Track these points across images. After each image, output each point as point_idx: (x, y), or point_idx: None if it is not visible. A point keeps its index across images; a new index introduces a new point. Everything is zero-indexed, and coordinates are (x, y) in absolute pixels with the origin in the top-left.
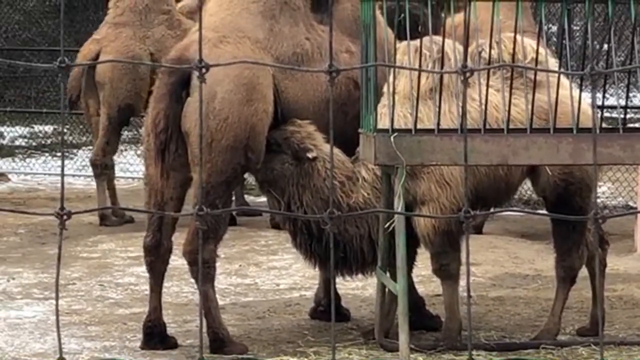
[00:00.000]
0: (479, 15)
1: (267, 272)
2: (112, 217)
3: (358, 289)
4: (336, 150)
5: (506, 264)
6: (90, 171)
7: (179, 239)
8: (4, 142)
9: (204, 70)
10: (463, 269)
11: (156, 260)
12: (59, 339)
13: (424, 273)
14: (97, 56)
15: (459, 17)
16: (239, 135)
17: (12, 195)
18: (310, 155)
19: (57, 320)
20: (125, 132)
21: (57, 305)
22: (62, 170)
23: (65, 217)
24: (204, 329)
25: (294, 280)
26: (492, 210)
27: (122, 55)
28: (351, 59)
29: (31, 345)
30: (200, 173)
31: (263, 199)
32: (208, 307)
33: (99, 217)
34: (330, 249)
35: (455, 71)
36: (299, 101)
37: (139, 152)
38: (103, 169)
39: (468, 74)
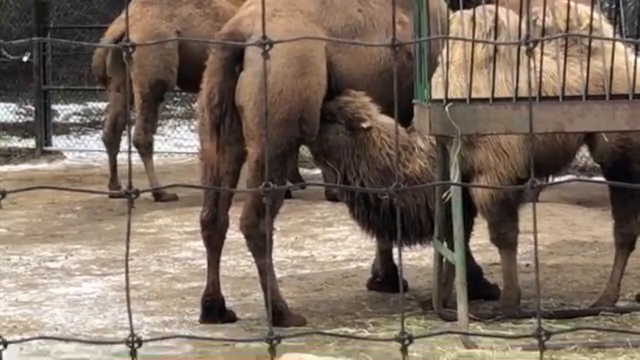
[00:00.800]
0: None
1: (323, 244)
2: (167, 192)
3: (414, 259)
4: (391, 121)
5: (563, 231)
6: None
7: (234, 213)
8: (58, 119)
9: (267, 46)
10: (520, 237)
11: (213, 234)
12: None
13: (480, 242)
14: (123, 35)
15: None
16: (293, 109)
17: (68, 173)
18: (364, 125)
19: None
20: (178, 108)
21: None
22: (129, 149)
23: (133, 195)
24: (263, 302)
25: (350, 251)
26: (550, 177)
27: (147, 34)
28: (404, 30)
29: (91, 321)
30: (265, 148)
31: (317, 171)
32: (265, 280)
33: (153, 194)
34: (389, 219)
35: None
36: (352, 73)
37: (192, 127)
38: (147, 147)
39: (531, 45)
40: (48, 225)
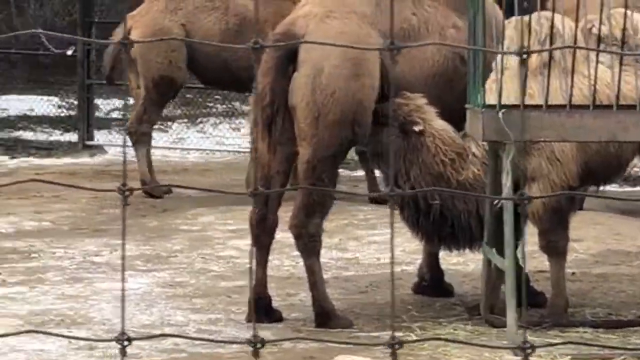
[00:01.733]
0: None
1: (367, 246)
2: (159, 188)
3: (459, 264)
4: (447, 127)
5: (608, 240)
6: (185, 144)
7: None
8: (100, 114)
9: (395, 52)
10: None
11: (262, 234)
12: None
13: (526, 249)
14: (130, 32)
15: None
16: (345, 110)
17: (110, 168)
18: (416, 128)
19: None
20: (219, 105)
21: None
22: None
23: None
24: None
25: (395, 254)
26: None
27: (149, 29)
28: (458, 34)
29: (138, 317)
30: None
31: (358, 173)
32: (314, 281)
33: (143, 190)
34: (438, 224)
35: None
36: (405, 76)
37: (233, 125)
38: (139, 137)
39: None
40: (92, 220)
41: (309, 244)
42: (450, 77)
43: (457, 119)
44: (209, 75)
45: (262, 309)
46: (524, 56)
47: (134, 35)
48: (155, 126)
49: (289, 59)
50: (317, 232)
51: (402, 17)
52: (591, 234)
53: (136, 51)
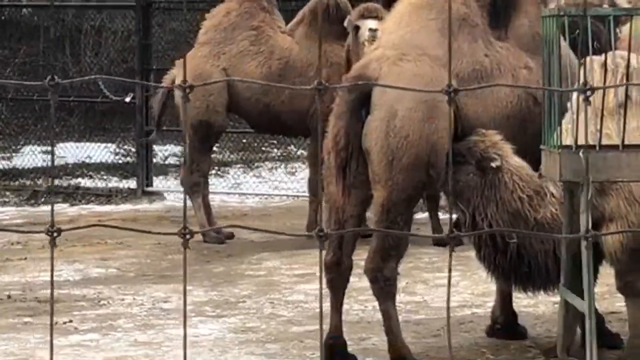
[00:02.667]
0: None
1: (435, 289)
2: (212, 234)
3: (530, 306)
4: (524, 164)
5: None
6: (243, 189)
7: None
8: (157, 160)
9: (452, 94)
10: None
11: (337, 277)
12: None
13: (597, 290)
14: (174, 79)
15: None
16: (420, 153)
17: (170, 214)
18: (493, 164)
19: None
20: (275, 150)
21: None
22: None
23: (188, 236)
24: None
25: (463, 297)
26: None
27: (191, 74)
28: (530, 75)
29: None
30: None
31: (419, 215)
32: (389, 325)
33: (201, 234)
34: (516, 263)
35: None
36: (479, 118)
37: (289, 169)
38: (192, 188)
39: None
40: (157, 266)
41: (384, 288)
42: (524, 118)
43: (530, 161)
44: (253, 120)
45: (338, 354)
46: (588, 93)
47: (177, 82)
48: (212, 172)
49: (362, 102)
50: (392, 275)
51: (475, 59)
52: None
53: (178, 97)
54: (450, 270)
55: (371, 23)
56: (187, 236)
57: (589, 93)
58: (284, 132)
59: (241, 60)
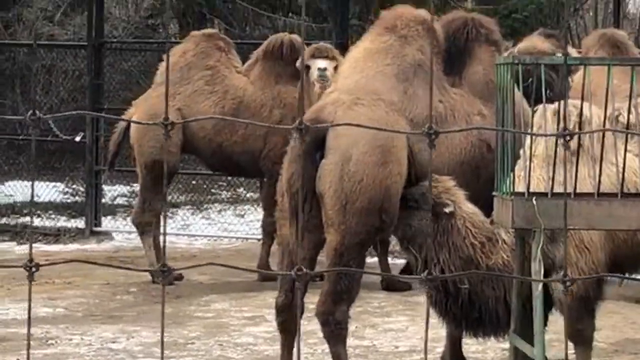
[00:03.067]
0: (593, 78)
1: (384, 334)
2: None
3: (479, 352)
4: (477, 211)
5: (625, 329)
6: (192, 229)
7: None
8: (106, 200)
9: (432, 136)
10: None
11: (288, 320)
12: None
13: (546, 337)
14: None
15: (577, 80)
16: (373, 198)
17: (118, 254)
18: (447, 210)
19: None
20: (224, 192)
21: None
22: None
23: (166, 273)
24: None
25: (412, 342)
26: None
27: (146, 114)
28: (484, 121)
29: None
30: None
31: (372, 259)
32: None
33: (152, 274)
34: (467, 309)
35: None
36: (433, 163)
37: (237, 211)
38: (144, 227)
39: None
40: (105, 307)
41: (335, 331)
42: (477, 165)
43: (483, 207)
44: (206, 160)
45: None
46: (567, 138)
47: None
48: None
49: (317, 146)
50: (344, 319)
51: (429, 104)
52: (608, 323)
53: (133, 137)
54: (428, 313)
55: (321, 63)
56: (166, 272)
57: (568, 138)
58: (237, 173)
59: (195, 100)
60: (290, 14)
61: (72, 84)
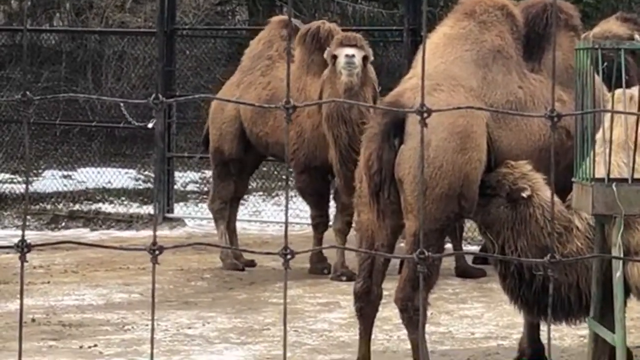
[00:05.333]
0: None
1: (459, 320)
2: (229, 260)
3: (555, 339)
4: (556, 200)
5: None
6: (264, 216)
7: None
8: (177, 187)
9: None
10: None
11: (366, 306)
12: None
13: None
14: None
15: None
16: (452, 184)
17: (191, 240)
18: (524, 194)
19: None
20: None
21: None
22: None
23: (289, 256)
24: None
25: (489, 329)
26: None
27: (215, 101)
28: (563, 107)
29: None
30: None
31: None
32: (418, 354)
33: (220, 258)
34: (540, 295)
35: None
36: (512, 150)
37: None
38: (215, 214)
39: None
40: (180, 292)
41: (414, 317)
42: (556, 151)
43: (561, 193)
44: (259, 150)
45: None
46: None
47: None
48: None
49: (395, 127)
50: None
51: (509, 90)
52: None
53: (209, 124)
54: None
55: (349, 50)
56: (288, 256)
57: None
58: (275, 159)
59: (247, 90)
60: (359, 1)
61: (143, 71)
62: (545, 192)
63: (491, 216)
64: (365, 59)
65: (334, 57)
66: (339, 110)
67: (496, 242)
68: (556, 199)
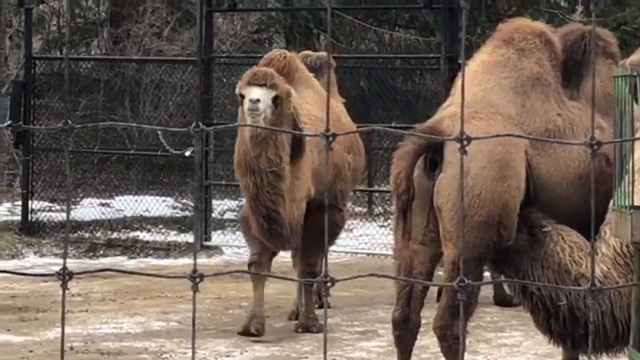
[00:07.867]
0: None
1: (497, 349)
2: None
3: None
4: (572, 232)
5: None
6: None
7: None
8: (214, 215)
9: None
10: None
11: (404, 334)
12: None
13: None
14: None
15: None
16: (491, 212)
17: (229, 268)
18: (545, 229)
19: None
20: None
21: None
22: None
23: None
24: None
25: (527, 358)
26: None
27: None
28: (602, 135)
29: None
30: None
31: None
32: None
33: None
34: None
35: None
36: (551, 177)
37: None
38: None
39: None
40: (218, 321)
41: (452, 346)
42: (596, 179)
43: (599, 221)
44: None
45: None
46: None
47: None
48: None
49: (429, 150)
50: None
51: (548, 118)
52: None
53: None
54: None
55: (254, 94)
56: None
57: None
58: None
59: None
60: (396, 28)
61: (180, 99)
62: (562, 227)
63: (511, 249)
64: (276, 98)
65: (242, 97)
66: (246, 158)
67: (516, 277)
68: (574, 232)
